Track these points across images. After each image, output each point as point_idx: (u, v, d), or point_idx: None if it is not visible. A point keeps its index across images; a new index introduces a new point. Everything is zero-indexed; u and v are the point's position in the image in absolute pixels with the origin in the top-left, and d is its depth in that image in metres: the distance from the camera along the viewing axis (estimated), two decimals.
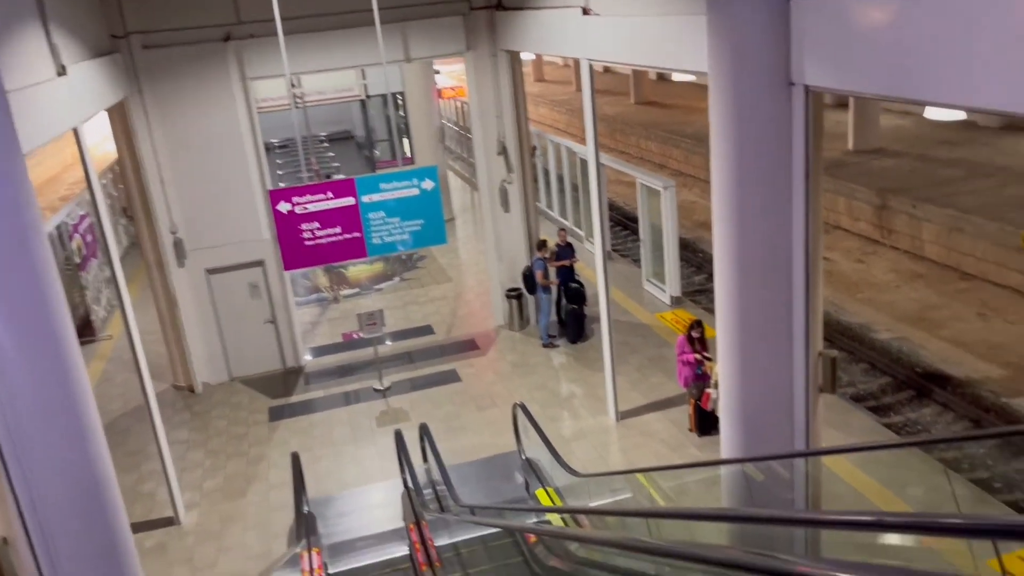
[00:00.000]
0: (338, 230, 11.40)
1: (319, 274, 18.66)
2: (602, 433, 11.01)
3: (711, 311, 14.20)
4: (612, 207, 22.43)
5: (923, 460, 9.39)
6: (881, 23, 5.02)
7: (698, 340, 10.58)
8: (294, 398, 12.99)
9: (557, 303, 14.00)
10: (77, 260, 16.43)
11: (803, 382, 6.60)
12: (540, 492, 9.44)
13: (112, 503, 6.03)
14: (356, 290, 17.66)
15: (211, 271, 13.15)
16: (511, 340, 14.22)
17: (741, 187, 6.20)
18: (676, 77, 36.59)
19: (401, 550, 8.51)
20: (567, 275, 13.90)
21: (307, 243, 11.35)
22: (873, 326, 14.34)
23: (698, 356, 10.46)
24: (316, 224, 11.34)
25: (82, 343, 6.43)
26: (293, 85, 14.79)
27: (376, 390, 12.84)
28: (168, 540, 9.75)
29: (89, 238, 17.37)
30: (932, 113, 13.03)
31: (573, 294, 13.66)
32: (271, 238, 12.68)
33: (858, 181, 18.82)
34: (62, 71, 8.11)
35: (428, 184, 11.32)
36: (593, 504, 9.05)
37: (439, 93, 27.37)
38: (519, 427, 10.18)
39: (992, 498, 9.20)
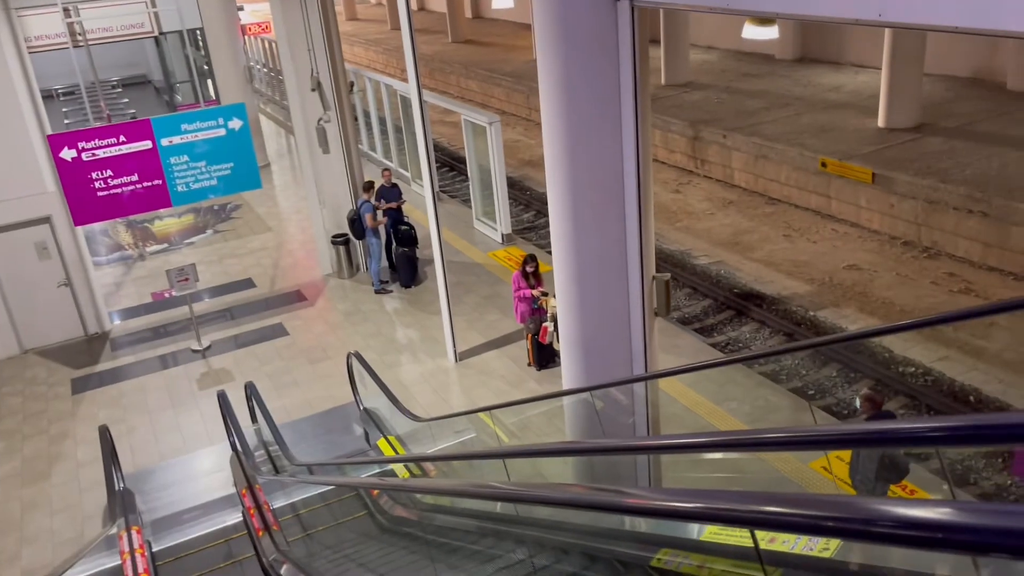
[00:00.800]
0: (135, 178, 10.29)
1: (120, 230, 17.00)
2: (442, 375, 10.78)
3: (542, 247, 14.38)
4: (438, 148, 21.96)
5: (747, 375, 9.93)
6: None
7: (533, 275, 10.53)
8: (100, 366, 11.77)
9: (387, 247, 13.48)
10: None
11: (640, 307, 6.62)
12: (381, 442, 9.13)
13: None
14: (164, 246, 16.25)
15: None
16: (341, 288, 13.60)
17: (571, 108, 6.00)
18: (493, 13, 36.23)
19: (235, 517, 7.95)
20: (396, 217, 13.38)
21: (100, 193, 10.17)
22: (693, 252, 14.97)
23: (535, 292, 10.41)
24: (109, 172, 10.16)
25: None
26: (68, 15, 13.00)
27: (194, 351, 11.87)
28: None
29: None
30: (748, 33, 13.42)
31: (403, 237, 13.17)
32: (57, 190, 11.24)
33: (671, 114, 19.46)
34: None
35: (236, 123, 10.41)
36: (438, 447, 8.86)
37: (244, 30, 25.52)
38: (355, 377, 9.77)
39: (809, 404, 9.89)
